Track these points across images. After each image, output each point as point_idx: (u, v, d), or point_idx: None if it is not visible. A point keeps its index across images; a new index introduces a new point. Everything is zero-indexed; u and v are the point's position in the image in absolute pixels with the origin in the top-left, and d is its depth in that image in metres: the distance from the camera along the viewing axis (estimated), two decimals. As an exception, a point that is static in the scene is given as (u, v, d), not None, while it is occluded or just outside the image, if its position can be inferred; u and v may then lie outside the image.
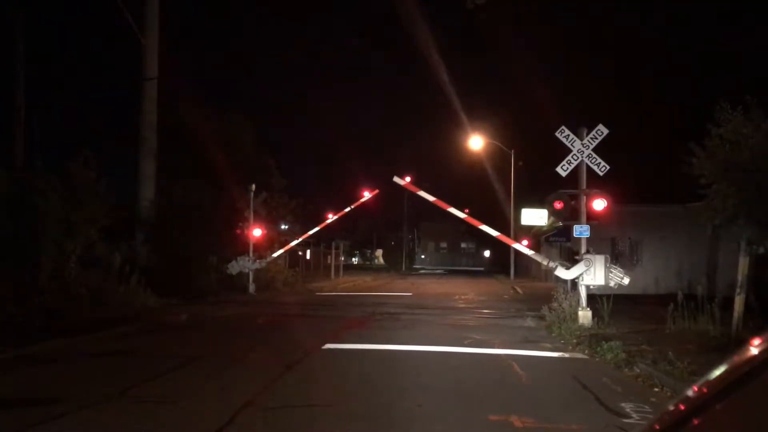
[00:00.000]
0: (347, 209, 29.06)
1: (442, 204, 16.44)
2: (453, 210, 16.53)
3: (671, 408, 1.01)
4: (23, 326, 11.43)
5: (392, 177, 16.98)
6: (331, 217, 30.00)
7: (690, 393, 0.98)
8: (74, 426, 5.78)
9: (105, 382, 7.57)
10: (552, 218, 23.82)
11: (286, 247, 26.11)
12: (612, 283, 13.24)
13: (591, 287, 13.36)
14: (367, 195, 29.16)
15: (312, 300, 22.18)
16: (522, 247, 17.19)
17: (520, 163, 34.04)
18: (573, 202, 13.72)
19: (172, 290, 17.93)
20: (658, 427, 1.02)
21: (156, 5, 21.77)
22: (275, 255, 24.93)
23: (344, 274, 41.37)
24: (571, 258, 15.76)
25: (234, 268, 22.08)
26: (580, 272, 13.24)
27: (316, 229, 28.91)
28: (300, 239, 27.98)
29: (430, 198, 16.40)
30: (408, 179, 18.59)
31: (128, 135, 25.54)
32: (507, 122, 36.51)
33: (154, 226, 21.26)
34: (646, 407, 6.55)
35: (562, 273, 13.69)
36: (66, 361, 9.18)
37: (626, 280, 13.35)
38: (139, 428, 5.76)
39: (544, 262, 14.96)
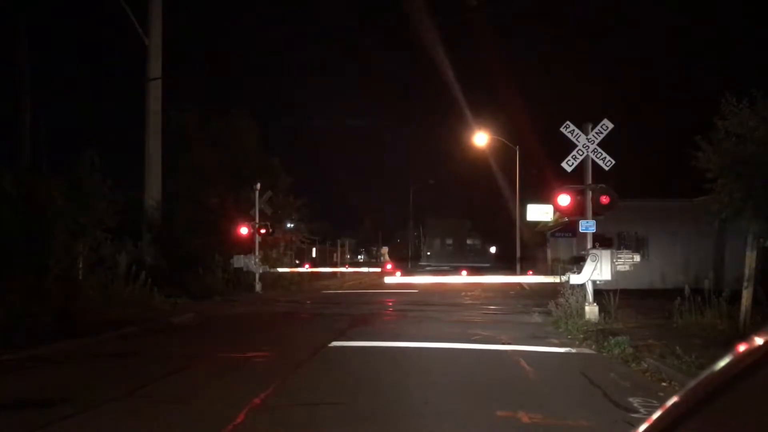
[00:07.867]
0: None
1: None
2: None
3: (677, 399, 1.01)
4: (32, 328, 11.47)
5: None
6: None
7: (695, 385, 0.99)
8: (83, 427, 5.82)
9: (113, 383, 7.60)
10: (557, 214, 23.82)
11: (293, 269, 27.61)
12: (627, 267, 13.22)
13: (598, 282, 13.33)
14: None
15: (318, 298, 22.21)
16: (531, 277, 20.77)
17: (534, 171, 33.84)
18: (578, 198, 13.69)
19: (179, 290, 18.01)
20: (663, 420, 1.02)
21: (159, 6, 21.82)
22: (280, 270, 26.02)
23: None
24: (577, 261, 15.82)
25: (238, 261, 22.65)
26: (590, 271, 13.19)
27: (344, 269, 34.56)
28: (307, 267, 29.09)
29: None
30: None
31: (133, 135, 25.65)
32: (512, 118, 36.44)
33: (161, 227, 21.34)
34: (654, 402, 6.52)
35: (575, 280, 13.62)
36: (74, 362, 9.23)
37: (637, 258, 13.36)
38: (149, 428, 5.79)
39: (557, 280, 14.84)
